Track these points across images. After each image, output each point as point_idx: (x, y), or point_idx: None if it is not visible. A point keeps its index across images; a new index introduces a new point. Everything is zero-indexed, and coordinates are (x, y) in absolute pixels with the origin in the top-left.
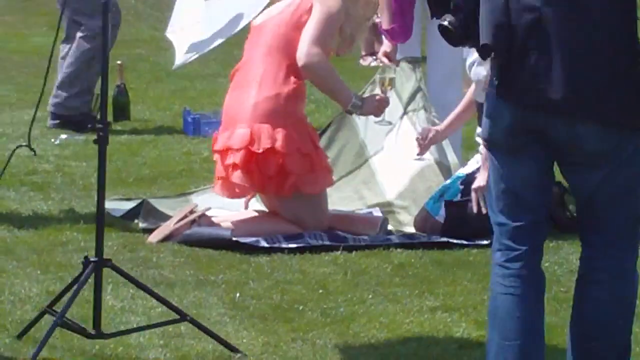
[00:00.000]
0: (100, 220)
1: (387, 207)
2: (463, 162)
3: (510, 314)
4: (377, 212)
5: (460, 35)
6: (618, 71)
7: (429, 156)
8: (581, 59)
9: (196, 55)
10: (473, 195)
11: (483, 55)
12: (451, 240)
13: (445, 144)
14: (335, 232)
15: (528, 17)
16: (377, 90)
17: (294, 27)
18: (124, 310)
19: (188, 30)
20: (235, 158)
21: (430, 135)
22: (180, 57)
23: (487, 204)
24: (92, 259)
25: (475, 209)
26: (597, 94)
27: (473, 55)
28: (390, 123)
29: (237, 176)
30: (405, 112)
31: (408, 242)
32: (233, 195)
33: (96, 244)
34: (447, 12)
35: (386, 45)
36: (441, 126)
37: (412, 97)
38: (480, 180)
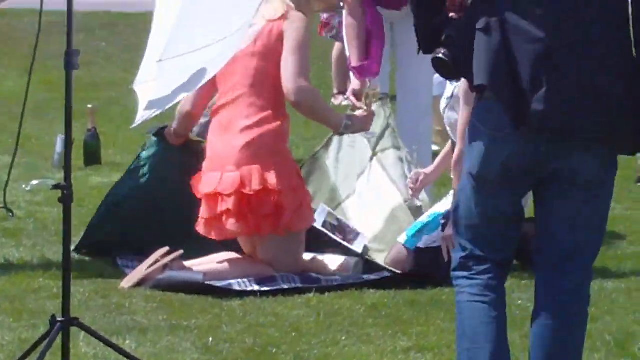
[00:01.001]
0: (67, 277)
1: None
2: (434, 199)
3: (479, 320)
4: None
5: (455, 67)
6: (627, 97)
7: (399, 196)
8: (592, 87)
9: (157, 112)
10: (443, 243)
11: (476, 92)
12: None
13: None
14: (308, 274)
15: (534, 50)
16: (390, 155)
17: (267, 59)
18: (96, 357)
19: (150, 85)
20: (227, 204)
21: (421, 178)
22: (141, 113)
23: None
24: (59, 319)
25: (446, 257)
26: (610, 121)
27: (446, 95)
28: (375, 135)
29: (231, 224)
30: (374, 153)
31: (380, 281)
32: (223, 237)
33: (62, 303)
34: (438, 46)
35: (355, 84)
36: (430, 168)
37: (381, 136)
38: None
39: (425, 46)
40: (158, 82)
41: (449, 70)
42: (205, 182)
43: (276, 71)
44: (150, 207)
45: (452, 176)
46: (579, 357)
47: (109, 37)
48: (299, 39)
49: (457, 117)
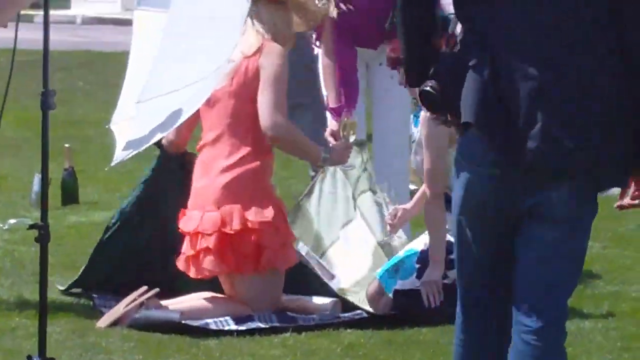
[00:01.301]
0: (43, 317)
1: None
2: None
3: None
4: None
5: (443, 100)
6: (618, 131)
7: (372, 240)
8: (587, 122)
9: (134, 153)
10: (423, 290)
11: (462, 131)
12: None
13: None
14: (285, 313)
15: (528, 87)
16: (367, 199)
17: (244, 97)
18: None
19: (127, 127)
20: (208, 242)
21: (399, 214)
22: (119, 153)
23: (438, 296)
24: (35, 359)
25: (426, 303)
26: (605, 156)
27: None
28: (353, 167)
29: (209, 262)
30: (354, 199)
31: (358, 320)
32: (201, 275)
33: (39, 343)
34: (425, 80)
35: (332, 125)
36: (409, 204)
37: (357, 180)
38: (432, 275)
39: (413, 79)
40: (136, 122)
41: (435, 105)
42: (187, 221)
43: (254, 109)
44: (137, 241)
45: None
46: None
47: (87, 76)
48: (275, 74)
49: (419, 162)
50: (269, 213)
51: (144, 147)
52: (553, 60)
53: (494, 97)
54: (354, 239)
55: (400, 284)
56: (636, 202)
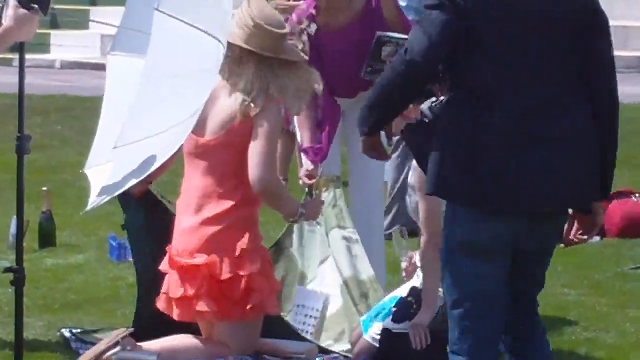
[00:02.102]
0: (19, 358)
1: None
2: (388, 288)
3: None
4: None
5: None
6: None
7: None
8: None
9: (108, 198)
10: (411, 332)
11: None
12: None
13: (366, 268)
14: (262, 356)
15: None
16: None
17: (236, 150)
18: None
19: (102, 171)
20: (195, 289)
21: (414, 261)
22: (93, 199)
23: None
24: None
25: (415, 345)
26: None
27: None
28: (319, 224)
29: (202, 305)
30: (327, 236)
31: None
32: (188, 319)
33: None
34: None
35: (307, 165)
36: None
37: (328, 217)
38: (423, 318)
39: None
40: (111, 168)
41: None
42: (174, 263)
43: (245, 160)
44: None
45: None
46: None
47: (66, 121)
48: (269, 129)
49: (414, 205)
50: (257, 262)
51: (118, 193)
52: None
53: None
54: (328, 279)
55: (376, 327)
56: (584, 237)
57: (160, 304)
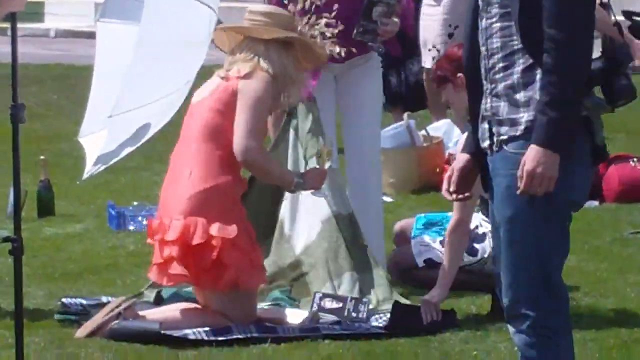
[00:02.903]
0: (19, 327)
1: (297, 268)
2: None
3: None
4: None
5: None
6: None
7: (326, 208)
8: None
9: (103, 167)
10: (422, 308)
11: None
12: (380, 332)
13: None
14: (264, 324)
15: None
16: (314, 163)
17: (219, 114)
18: None
19: (96, 139)
20: (172, 251)
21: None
22: (89, 167)
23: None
24: None
25: (425, 321)
26: None
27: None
28: (324, 194)
29: (174, 267)
30: (305, 162)
31: (337, 334)
32: (171, 282)
33: (16, 354)
34: None
35: None
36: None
37: (307, 140)
38: (436, 295)
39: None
40: (106, 137)
41: None
42: (155, 229)
43: (232, 128)
44: None
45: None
46: None
47: (61, 89)
48: (255, 98)
49: None
50: (232, 230)
51: (113, 162)
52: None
53: None
54: (306, 204)
55: (426, 238)
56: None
57: (152, 275)
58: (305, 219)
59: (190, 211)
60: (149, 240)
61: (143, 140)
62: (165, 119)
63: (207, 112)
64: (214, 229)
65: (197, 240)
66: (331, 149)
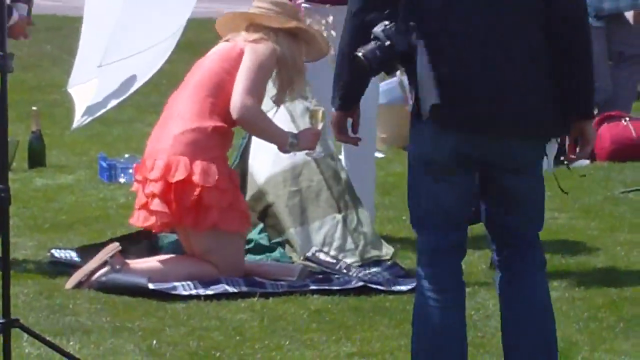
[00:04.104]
0: (6, 278)
1: (261, 199)
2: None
3: (439, 324)
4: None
5: (373, 69)
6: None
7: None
8: (508, 82)
9: (90, 119)
10: None
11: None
12: (369, 285)
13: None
14: (253, 278)
15: (450, 55)
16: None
17: (223, 70)
18: (40, 357)
19: (85, 89)
20: (154, 188)
21: None
22: (78, 118)
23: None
24: None
25: None
26: (528, 114)
27: None
28: (320, 154)
29: (156, 204)
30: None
31: (326, 289)
32: (152, 225)
33: (2, 304)
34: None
35: None
36: None
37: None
38: None
39: (356, 40)
40: (96, 87)
41: (364, 71)
42: (139, 170)
43: (225, 80)
44: None
45: None
46: (548, 317)
47: (54, 40)
48: (258, 62)
49: None
50: (213, 172)
51: (99, 114)
52: (471, 21)
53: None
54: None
55: None
56: (575, 156)
57: (133, 220)
58: (266, 151)
59: (174, 151)
60: (134, 187)
61: (129, 92)
62: (153, 69)
63: (211, 65)
64: (197, 169)
65: (178, 177)
66: (323, 110)
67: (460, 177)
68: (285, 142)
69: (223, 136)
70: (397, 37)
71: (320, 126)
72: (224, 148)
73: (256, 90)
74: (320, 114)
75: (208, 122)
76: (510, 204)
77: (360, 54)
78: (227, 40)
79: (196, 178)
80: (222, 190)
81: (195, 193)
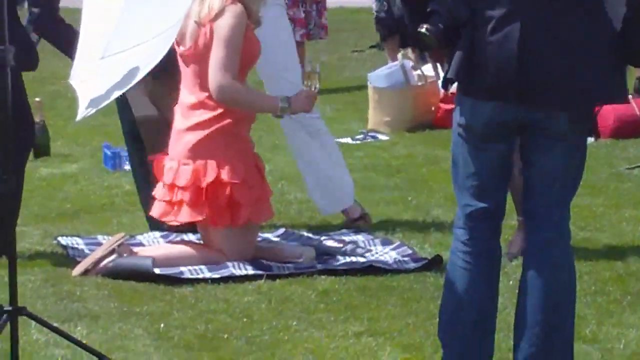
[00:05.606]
0: (13, 266)
1: None
2: None
3: (468, 289)
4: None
5: (439, 43)
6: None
7: None
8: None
9: (93, 111)
10: None
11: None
12: (376, 265)
13: None
14: (259, 260)
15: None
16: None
17: (205, 61)
18: (48, 344)
19: (88, 81)
20: (183, 196)
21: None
22: (82, 110)
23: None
24: (6, 308)
25: None
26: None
27: None
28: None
29: (185, 213)
30: None
31: (332, 269)
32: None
33: (10, 292)
34: (424, 19)
35: None
36: None
37: None
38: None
39: (410, 17)
40: (98, 79)
41: (430, 47)
42: (164, 170)
43: None
44: None
45: None
46: (570, 295)
47: None
48: (225, 34)
49: None
50: (241, 170)
51: (102, 106)
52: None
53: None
54: None
55: None
56: None
57: (155, 211)
58: None
59: (198, 155)
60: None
61: (132, 83)
62: (154, 61)
63: (197, 61)
64: (224, 170)
65: (208, 180)
66: (319, 71)
67: (498, 145)
68: (276, 107)
69: (242, 122)
70: (455, 7)
71: (316, 87)
72: (244, 133)
73: (230, 64)
74: (316, 76)
75: (222, 121)
76: (546, 170)
77: (423, 30)
78: (196, 21)
79: (225, 178)
80: (251, 185)
81: (227, 192)
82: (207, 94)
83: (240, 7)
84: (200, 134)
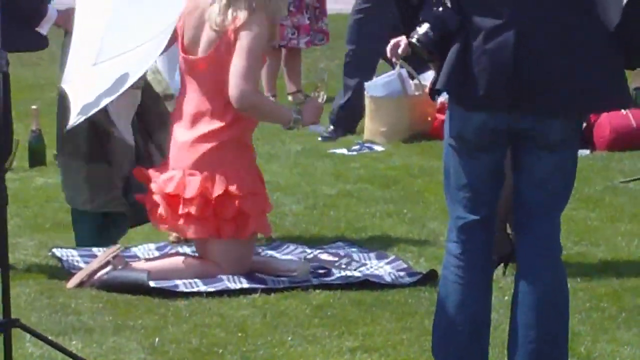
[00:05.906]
0: (6, 277)
1: None
2: None
3: (461, 305)
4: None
5: (429, 53)
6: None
7: None
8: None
9: (82, 118)
10: None
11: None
12: (371, 279)
13: None
14: (254, 274)
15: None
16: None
17: (226, 70)
18: (42, 357)
19: (79, 88)
20: (189, 208)
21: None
22: (73, 117)
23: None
24: None
25: None
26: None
27: None
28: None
29: (192, 229)
30: None
31: (327, 283)
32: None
33: (3, 304)
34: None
35: None
36: None
37: None
38: None
39: (406, 26)
40: (90, 85)
41: (421, 56)
42: (168, 181)
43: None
44: None
45: None
46: (563, 311)
47: (53, 38)
48: (248, 43)
49: None
50: (249, 181)
51: (92, 112)
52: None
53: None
54: None
55: None
56: None
57: (154, 220)
58: None
59: (206, 166)
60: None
61: (122, 90)
62: (144, 68)
63: (211, 67)
64: (232, 179)
65: (217, 192)
66: (326, 81)
67: (489, 155)
68: (289, 120)
69: (246, 130)
70: (446, 16)
71: (322, 98)
72: (249, 140)
73: (252, 74)
74: (324, 86)
75: (231, 131)
76: (537, 179)
77: (414, 40)
78: (215, 29)
79: (233, 189)
80: (257, 195)
81: (236, 204)
82: (217, 103)
83: (264, 17)
84: (208, 145)
